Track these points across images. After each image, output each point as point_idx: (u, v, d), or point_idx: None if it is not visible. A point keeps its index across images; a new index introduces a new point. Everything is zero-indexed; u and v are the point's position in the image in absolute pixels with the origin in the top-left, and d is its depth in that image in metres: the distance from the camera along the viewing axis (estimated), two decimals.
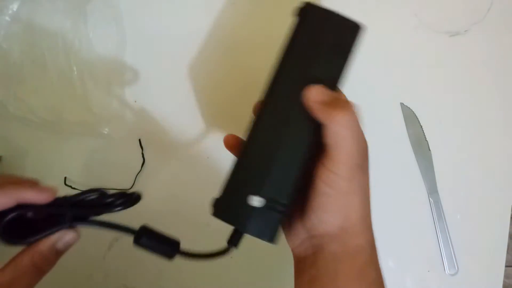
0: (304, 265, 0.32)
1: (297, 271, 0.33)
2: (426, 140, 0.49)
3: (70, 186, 0.44)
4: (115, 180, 0.45)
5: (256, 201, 0.30)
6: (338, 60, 0.33)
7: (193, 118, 0.46)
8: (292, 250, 0.33)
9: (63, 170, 0.45)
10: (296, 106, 0.31)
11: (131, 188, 0.45)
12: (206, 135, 0.46)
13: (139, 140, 0.45)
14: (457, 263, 0.48)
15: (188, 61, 0.46)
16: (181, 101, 0.46)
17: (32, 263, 0.28)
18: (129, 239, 0.45)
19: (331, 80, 0.33)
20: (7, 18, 0.43)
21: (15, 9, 0.43)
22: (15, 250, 0.28)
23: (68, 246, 0.30)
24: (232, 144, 0.35)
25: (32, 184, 0.28)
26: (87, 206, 0.30)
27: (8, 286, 0.27)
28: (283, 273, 0.41)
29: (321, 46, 0.32)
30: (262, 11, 0.47)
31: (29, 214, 0.28)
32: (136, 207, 0.46)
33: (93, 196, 0.30)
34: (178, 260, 0.46)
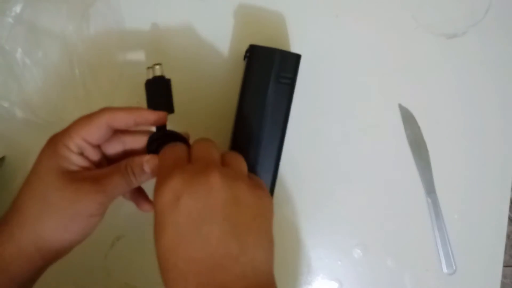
0: None
1: None
2: (423, 140, 0.49)
3: None
4: None
5: None
6: (285, 86, 0.40)
7: (192, 119, 0.47)
8: None
9: None
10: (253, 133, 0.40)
11: None
12: (205, 134, 0.47)
13: None
14: (455, 263, 0.48)
15: (189, 63, 0.47)
16: (181, 102, 0.46)
17: (124, 166, 0.33)
18: (130, 237, 0.46)
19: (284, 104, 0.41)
20: (10, 19, 0.43)
21: (18, 11, 0.43)
22: None
23: (152, 170, 0.33)
24: None
25: (148, 109, 0.35)
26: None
27: (105, 176, 0.32)
28: (282, 274, 0.41)
29: (268, 77, 0.40)
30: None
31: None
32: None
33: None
34: None
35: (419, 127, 0.49)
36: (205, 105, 0.47)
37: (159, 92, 0.38)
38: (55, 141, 0.32)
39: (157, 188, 0.29)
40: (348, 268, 0.48)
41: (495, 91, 0.50)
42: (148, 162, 0.33)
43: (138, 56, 0.46)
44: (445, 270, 0.48)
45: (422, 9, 0.49)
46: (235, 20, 0.47)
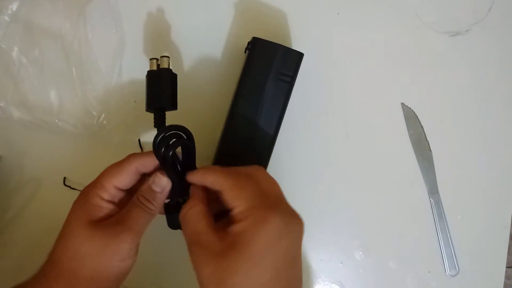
0: None
1: None
2: (426, 140, 0.48)
3: (69, 187, 0.44)
4: None
5: None
6: (284, 84, 0.39)
7: (191, 119, 0.46)
8: None
9: (62, 170, 0.45)
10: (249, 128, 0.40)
11: None
12: (204, 135, 0.46)
13: (139, 140, 0.45)
14: (457, 264, 0.48)
15: (187, 62, 0.46)
16: (180, 101, 0.46)
17: (137, 199, 0.34)
18: None
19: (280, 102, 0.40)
20: (6, 18, 0.42)
21: (14, 9, 0.43)
22: None
23: (162, 188, 0.34)
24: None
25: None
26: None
27: (126, 214, 0.33)
28: None
29: (267, 73, 0.39)
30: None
31: None
32: None
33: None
34: (179, 261, 0.46)
35: (422, 127, 0.48)
36: (201, 99, 0.46)
37: (164, 85, 0.37)
38: (87, 191, 0.34)
39: (260, 221, 0.29)
40: (349, 270, 0.48)
41: (498, 89, 0.50)
42: (154, 182, 0.34)
43: (136, 54, 0.45)
44: (448, 271, 0.48)
45: (425, 7, 0.49)
46: (235, 15, 0.47)
